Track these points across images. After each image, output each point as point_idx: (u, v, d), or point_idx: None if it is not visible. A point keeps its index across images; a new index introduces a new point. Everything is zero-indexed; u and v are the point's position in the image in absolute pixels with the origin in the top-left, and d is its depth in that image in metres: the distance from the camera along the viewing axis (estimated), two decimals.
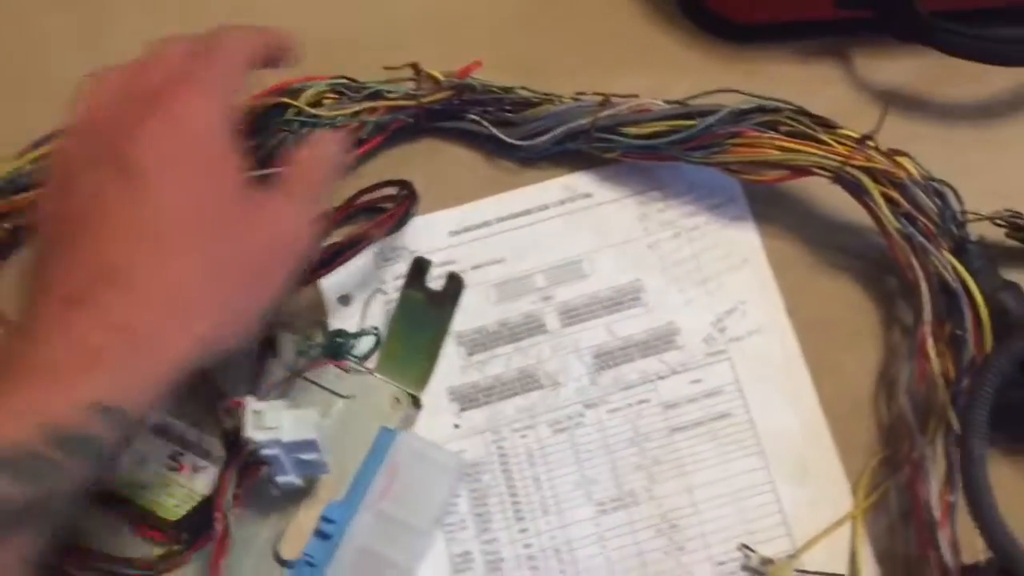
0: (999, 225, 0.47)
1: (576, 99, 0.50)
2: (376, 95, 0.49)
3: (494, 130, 0.50)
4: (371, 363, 0.47)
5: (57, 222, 0.36)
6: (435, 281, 0.49)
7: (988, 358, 0.42)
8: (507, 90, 0.50)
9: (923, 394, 0.45)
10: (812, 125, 0.46)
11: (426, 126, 0.51)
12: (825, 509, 0.45)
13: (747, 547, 0.45)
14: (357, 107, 0.49)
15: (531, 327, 0.49)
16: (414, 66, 0.50)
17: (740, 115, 0.46)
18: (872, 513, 0.46)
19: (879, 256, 0.48)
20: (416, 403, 0.46)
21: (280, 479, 0.40)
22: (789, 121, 0.46)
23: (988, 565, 0.41)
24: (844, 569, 0.45)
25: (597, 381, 0.48)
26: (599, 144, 0.49)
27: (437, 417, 0.47)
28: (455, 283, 0.48)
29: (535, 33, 0.54)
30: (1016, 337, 0.42)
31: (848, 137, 0.45)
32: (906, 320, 0.48)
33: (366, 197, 0.49)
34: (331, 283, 0.49)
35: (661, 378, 0.48)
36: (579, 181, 0.51)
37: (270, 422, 0.38)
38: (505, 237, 0.50)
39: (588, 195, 0.51)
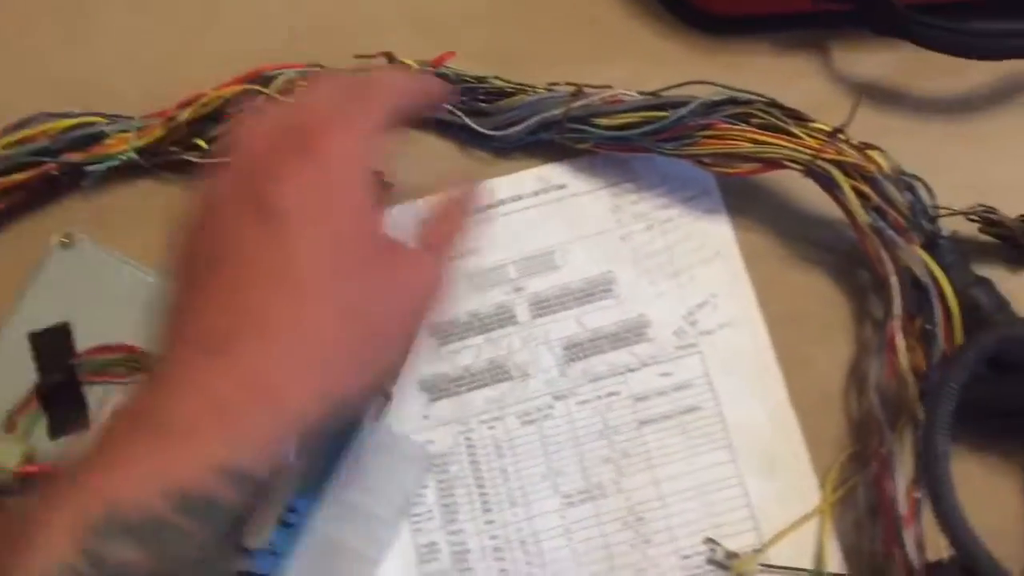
0: (973, 220, 0.47)
1: (549, 89, 0.49)
2: None
3: (467, 120, 0.49)
4: None
5: (194, 264, 0.35)
6: None
7: (954, 354, 0.42)
8: (481, 80, 0.50)
9: (893, 389, 0.45)
10: (783, 118, 0.45)
11: None
12: (793, 504, 0.45)
13: (713, 541, 0.45)
14: None
15: (502, 318, 0.49)
16: (387, 55, 0.50)
17: (712, 107, 0.46)
18: (840, 508, 0.45)
19: (851, 250, 0.48)
20: (385, 394, 0.46)
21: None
22: (761, 114, 0.46)
23: (951, 562, 0.41)
24: (810, 564, 0.45)
25: (567, 373, 0.48)
26: (571, 135, 0.49)
27: (406, 407, 0.47)
28: None
29: (511, 22, 0.54)
30: (983, 332, 0.42)
31: (819, 130, 0.45)
32: (878, 314, 0.48)
33: None
34: None
35: (631, 371, 0.48)
36: (553, 172, 0.51)
37: None
38: (478, 228, 0.50)
39: (562, 186, 0.51)
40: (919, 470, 0.43)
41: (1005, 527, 0.45)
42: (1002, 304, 0.45)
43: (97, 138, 0.49)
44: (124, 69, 0.53)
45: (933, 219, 0.45)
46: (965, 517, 0.40)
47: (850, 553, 0.45)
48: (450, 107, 0.50)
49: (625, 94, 0.48)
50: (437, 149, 0.51)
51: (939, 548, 0.42)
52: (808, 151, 0.44)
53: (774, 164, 0.46)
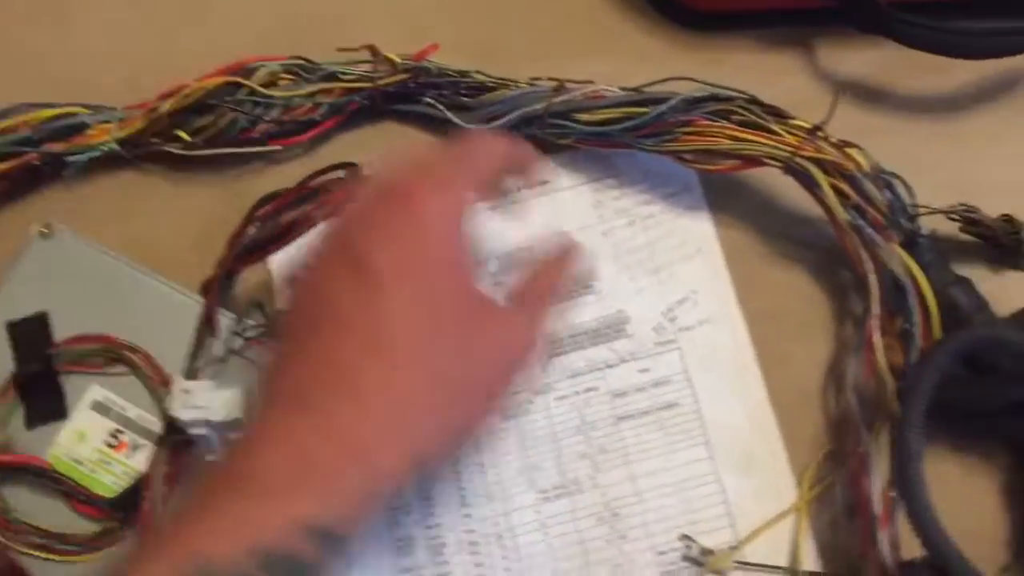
0: (953, 219, 0.47)
1: (531, 84, 0.49)
2: (331, 76, 0.49)
3: (449, 114, 0.49)
4: None
5: (294, 325, 0.36)
6: None
7: (927, 353, 0.42)
8: (463, 74, 0.50)
9: (872, 388, 0.45)
10: (763, 115, 0.45)
11: (383, 109, 0.51)
12: (769, 501, 0.45)
13: (688, 537, 0.45)
14: (312, 88, 0.49)
15: None
16: (371, 48, 0.50)
17: (692, 103, 0.46)
18: (816, 507, 0.45)
19: (832, 248, 0.47)
20: None
21: (211, 458, 0.40)
22: (741, 110, 0.45)
23: (924, 562, 0.41)
24: (785, 562, 0.45)
25: (545, 368, 0.48)
26: (553, 130, 0.49)
27: None
28: None
29: (495, 17, 0.54)
30: (955, 333, 0.42)
31: (799, 127, 0.45)
32: (858, 313, 0.48)
33: (319, 179, 0.48)
34: (279, 263, 0.49)
35: (610, 366, 0.48)
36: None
37: (199, 401, 0.38)
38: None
39: (544, 181, 0.51)
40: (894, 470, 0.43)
41: (983, 528, 0.45)
42: (981, 304, 0.45)
43: (79, 129, 0.49)
44: (107, 60, 0.53)
45: (912, 217, 0.45)
46: (937, 516, 0.40)
47: (825, 551, 0.45)
48: (431, 101, 0.50)
49: (607, 90, 0.48)
50: (420, 143, 0.51)
51: (914, 547, 0.42)
52: (787, 148, 0.44)
53: (754, 161, 0.45)
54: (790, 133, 0.45)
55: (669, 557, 0.45)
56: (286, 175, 0.50)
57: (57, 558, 0.42)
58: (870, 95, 0.52)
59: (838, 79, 0.52)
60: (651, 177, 0.50)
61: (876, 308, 0.45)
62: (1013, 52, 0.47)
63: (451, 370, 0.34)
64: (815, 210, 0.47)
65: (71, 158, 0.49)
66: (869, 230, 0.44)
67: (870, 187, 0.44)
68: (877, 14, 0.46)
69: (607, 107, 0.47)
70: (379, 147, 0.51)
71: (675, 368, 0.48)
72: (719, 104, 0.46)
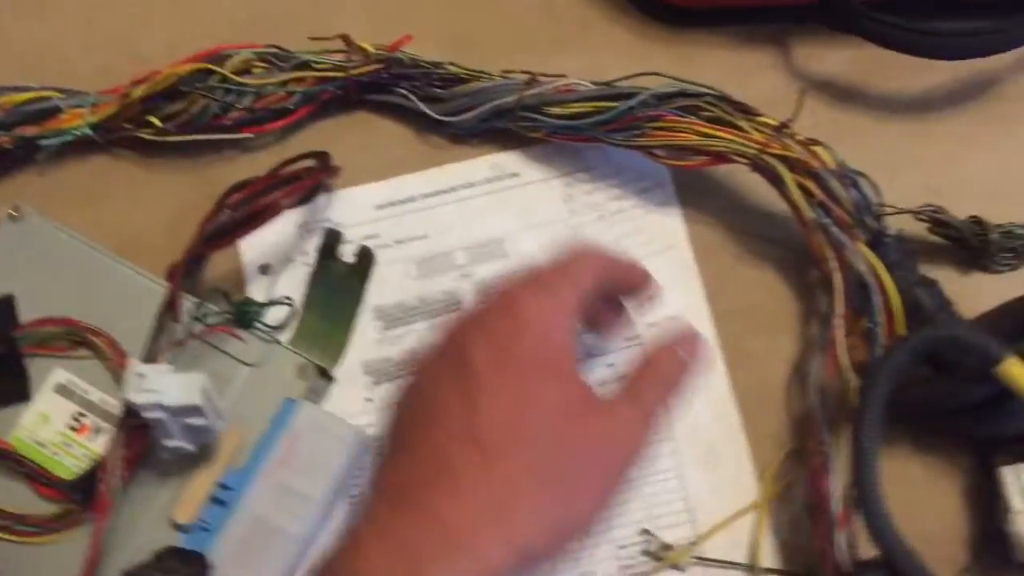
0: (921, 220, 0.47)
1: (504, 77, 0.49)
2: (305, 65, 0.49)
3: (421, 105, 0.50)
4: (287, 334, 0.47)
5: (399, 421, 0.38)
6: (350, 254, 0.49)
7: (886, 351, 0.42)
8: (436, 65, 0.50)
9: (835, 387, 0.45)
10: (732, 111, 0.45)
11: (356, 99, 0.51)
12: (730, 498, 0.45)
13: (648, 532, 0.45)
14: (285, 77, 0.49)
15: (449, 304, 0.49)
16: (344, 37, 0.50)
17: (661, 99, 0.46)
18: (776, 504, 0.45)
19: (802, 247, 0.47)
20: (325, 375, 0.46)
21: (167, 443, 0.40)
22: (709, 107, 0.45)
23: (878, 561, 0.41)
24: (744, 558, 0.45)
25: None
26: (524, 123, 0.49)
27: (350, 390, 0.47)
28: (366, 257, 0.48)
29: (471, 9, 0.54)
30: (916, 332, 0.42)
31: (766, 125, 0.45)
32: (824, 312, 0.47)
33: (290, 168, 0.48)
34: (252, 252, 0.49)
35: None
36: (507, 160, 0.51)
37: (153, 385, 0.38)
38: (430, 213, 0.50)
39: (515, 175, 0.51)
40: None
41: (945, 529, 0.45)
42: (945, 304, 0.45)
43: (52, 113, 0.49)
44: (81, 45, 0.53)
45: (878, 217, 0.45)
46: (889, 514, 0.40)
47: (784, 548, 0.45)
48: (404, 91, 0.50)
49: (578, 84, 0.48)
50: (393, 134, 0.51)
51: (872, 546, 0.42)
52: (754, 145, 0.44)
53: (722, 158, 0.45)
54: (757, 130, 0.45)
55: (628, 551, 0.45)
56: (259, 163, 0.50)
57: (16, 539, 0.42)
58: (844, 94, 0.52)
59: (812, 78, 0.52)
60: (623, 172, 0.50)
61: (840, 307, 0.45)
62: (984, 53, 0.47)
63: (553, 465, 0.34)
64: (785, 208, 0.47)
65: (44, 142, 0.49)
66: (834, 228, 0.44)
67: (835, 185, 0.44)
68: (848, 12, 0.46)
69: (577, 101, 0.47)
70: (354, 137, 0.51)
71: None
72: (688, 100, 0.46)
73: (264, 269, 0.49)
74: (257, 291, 0.48)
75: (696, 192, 0.50)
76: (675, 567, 0.45)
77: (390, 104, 0.51)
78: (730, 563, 0.44)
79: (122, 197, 0.51)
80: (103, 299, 0.46)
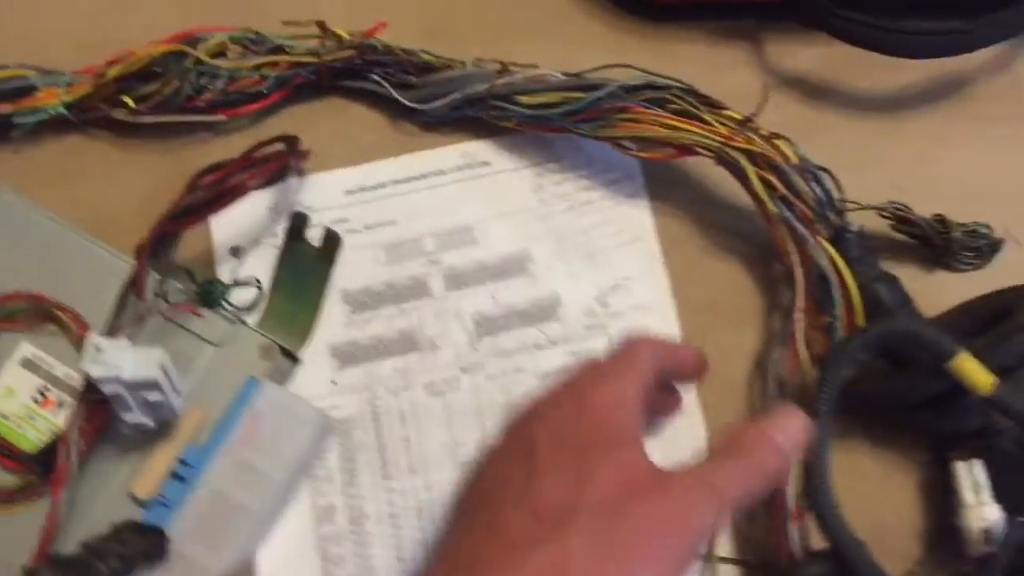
0: (885, 217, 0.47)
1: (476, 66, 0.50)
2: (279, 50, 0.50)
3: (394, 92, 0.50)
4: (255, 315, 0.48)
5: (463, 498, 0.39)
6: (317, 237, 0.49)
7: (839, 345, 0.42)
8: (409, 53, 0.50)
9: (796, 381, 0.46)
10: (697, 104, 0.46)
11: (330, 84, 0.51)
12: None
13: None
14: (259, 60, 0.49)
15: (416, 290, 0.49)
16: (319, 23, 0.50)
17: (629, 91, 0.46)
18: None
19: (767, 241, 0.48)
20: (289, 356, 0.47)
21: (127, 417, 0.40)
22: (676, 99, 0.46)
23: (827, 552, 0.41)
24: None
25: (476, 347, 0.48)
26: (495, 112, 0.49)
27: (316, 372, 0.48)
28: (332, 240, 0.48)
29: None
30: (870, 325, 0.42)
31: (731, 118, 0.45)
32: (787, 306, 0.47)
33: (263, 151, 0.49)
34: (222, 234, 0.50)
35: (539, 348, 0.48)
36: (478, 149, 0.51)
37: (111, 358, 0.38)
38: (400, 200, 0.51)
39: (486, 163, 0.51)
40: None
41: (900, 522, 0.45)
42: (905, 300, 0.45)
43: (27, 91, 0.49)
44: (58, 24, 0.53)
45: (840, 212, 0.45)
46: (837, 503, 0.40)
47: (740, 539, 0.45)
48: (378, 78, 0.50)
49: (549, 74, 0.48)
50: (365, 120, 0.52)
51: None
52: (718, 138, 0.45)
53: (686, 150, 0.46)
54: (722, 123, 0.45)
55: None
56: (232, 146, 0.50)
57: None
58: (815, 91, 0.52)
59: (784, 74, 0.52)
60: (593, 164, 0.51)
61: (800, 301, 0.45)
62: (949, 53, 0.47)
63: (611, 538, 0.35)
64: (751, 203, 0.47)
65: (18, 120, 0.49)
66: (796, 223, 0.45)
67: (797, 180, 0.44)
68: (816, 9, 0.47)
69: (547, 91, 0.48)
70: (328, 122, 0.52)
71: (603, 353, 0.48)
72: (655, 92, 0.46)
73: (235, 251, 0.49)
74: (227, 273, 0.49)
75: (665, 185, 0.50)
76: None
77: (363, 90, 0.51)
78: None
79: (96, 176, 0.51)
80: (71, 276, 0.46)
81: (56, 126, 0.51)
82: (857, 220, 0.47)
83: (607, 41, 0.53)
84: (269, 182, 0.47)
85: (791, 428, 0.38)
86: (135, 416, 0.40)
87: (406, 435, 0.47)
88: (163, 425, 0.43)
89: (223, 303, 0.46)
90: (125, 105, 0.49)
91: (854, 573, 0.40)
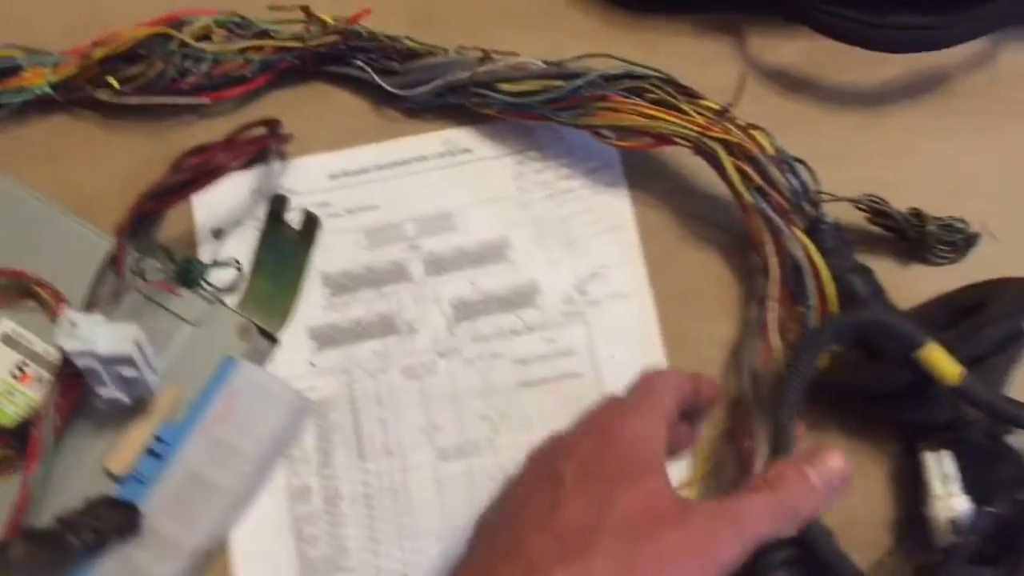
0: (861, 209, 0.48)
1: (459, 53, 0.50)
2: (263, 34, 0.50)
3: (377, 78, 0.50)
4: (235, 296, 0.48)
5: (486, 523, 0.40)
6: (297, 220, 0.50)
7: (809, 334, 0.43)
8: (393, 39, 0.51)
9: (769, 370, 0.46)
10: (675, 94, 0.46)
11: (315, 70, 0.52)
12: None
13: None
14: (244, 44, 0.50)
15: (396, 274, 0.50)
16: (304, 8, 0.50)
17: (609, 80, 0.47)
18: (707, 482, 0.46)
19: (744, 232, 0.48)
20: (268, 337, 0.47)
21: (101, 392, 0.41)
22: (655, 89, 0.46)
23: (794, 540, 0.41)
24: None
25: (454, 332, 0.49)
26: (476, 99, 0.49)
27: (294, 354, 0.48)
28: (311, 222, 0.49)
29: None
30: (839, 314, 0.42)
31: (708, 108, 0.46)
32: (763, 296, 0.48)
33: (246, 135, 0.49)
34: (205, 215, 0.50)
35: (516, 334, 0.49)
36: (460, 136, 0.52)
37: (85, 333, 0.39)
38: (382, 185, 0.51)
39: (468, 150, 0.52)
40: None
41: (871, 512, 0.46)
42: (878, 292, 0.46)
43: (13, 71, 0.50)
44: (45, 5, 0.54)
45: (815, 203, 0.46)
46: None
47: None
48: (361, 64, 0.51)
49: (530, 62, 0.49)
50: (349, 105, 0.52)
51: None
52: (696, 128, 0.45)
53: (664, 139, 0.46)
54: (699, 113, 0.45)
55: None
56: (216, 129, 0.50)
57: None
58: (797, 84, 0.52)
59: (766, 67, 0.52)
60: (573, 152, 0.51)
61: (774, 290, 0.45)
62: (929, 47, 0.47)
63: (632, 565, 0.35)
64: (729, 193, 0.47)
65: (4, 99, 0.50)
66: (772, 213, 0.45)
67: (773, 170, 0.45)
68: (799, 3, 0.47)
69: (528, 78, 0.48)
70: (312, 107, 0.52)
71: (580, 340, 0.48)
72: (634, 82, 0.47)
73: (217, 233, 0.50)
74: (209, 254, 0.49)
75: (644, 174, 0.51)
76: None
77: (347, 76, 0.52)
78: None
79: (81, 156, 0.51)
80: (53, 253, 0.47)
81: (42, 106, 0.51)
82: (834, 213, 0.47)
83: (592, 32, 0.54)
84: (249, 164, 0.47)
85: (830, 469, 0.38)
86: (110, 392, 0.40)
87: (382, 417, 0.48)
88: (139, 402, 0.43)
89: (202, 283, 0.46)
90: (110, 86, 0.49)
91: (819, 562, 0.40)
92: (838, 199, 0.47)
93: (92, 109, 0.51)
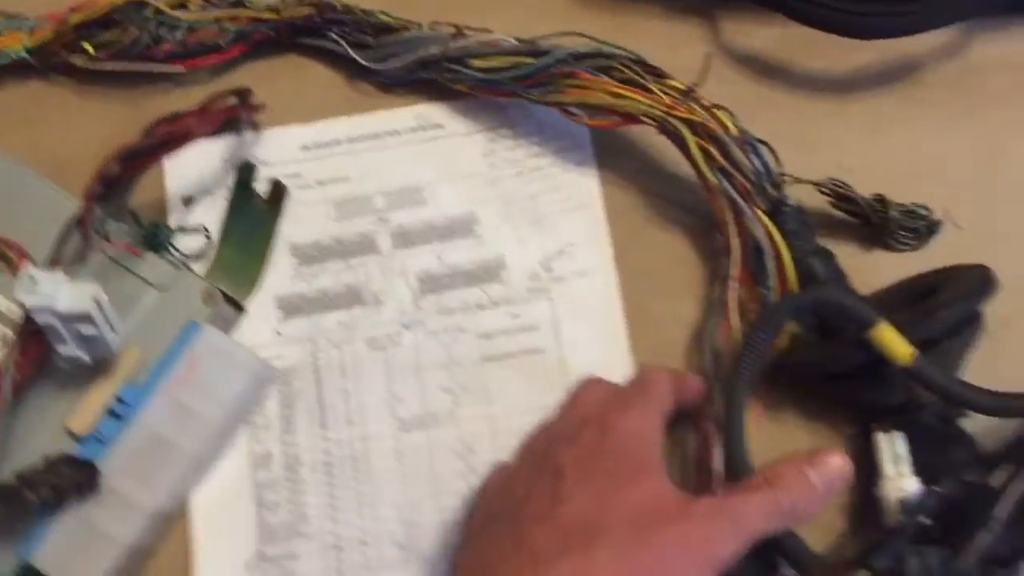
0: (824, 193, 0.48)
1: (432, 28, 0.50)
2: (239, 4, 0.51)
3: (351, 51, 0.51)
4: (204, 264, 0.49)
5: (481, 514, 0.42)
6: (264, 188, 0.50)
7: (763, 313, 0.43)
8: (367, 13, 0.51)
9: (730, 350, 0.46)
10: (643, 74, 0.46)
11: (290, 42, 0.52)
12: None
13: None
14: (219, 13, 0.50)
15: (364, 246, 0.50)
16: None
17: (578, 58, 0.47)
18: (669, 461, 0.46)
19: (710, 213, 0.49)
20: (235, 305, 0.48)
21: (61, 350, 0.41)
22: (623, 68, 0.47)
23: None
24: None
25: (419, 304, 0.49)
26: (448, 74, 0.50)
27: (261, 322, 0.49)
28: (279, 190, 0.49)
29: None
30: (794, 294, 0.43)
31: (674, 88, 0.46)
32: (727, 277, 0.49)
33: (219, 104, 0.49)
34: (176, 183, 0.50)
35: (481, 308, 0.49)
36: (433, 111, 0.52)
37: (45, 290, 0.39)
38: (353, 158, 0.51)
39: (440, 126, 0.52)
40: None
41: None
42: (839, 275, 0.46)
43: None
44: None
45: (778, 185, 0.46)
46: (750, 462, 0.41)
47: None
48: (336, 37, 0.51)
49: (502, 39, 0.49)
50: (323, 78, 0.53)
51: None
52: (661, 107, 0.46)
53: (631, 118, 0.47)
54: (665, 93, 0.46)
55: None
56: (192, 98, 0.51)
57: None
58: (768, 70, 0.53)
59: (739, 52, 0.53)
60: (544, 131, 0.51)
61: (735, 271, 0.46)
62: (899, 33, 0.48)
63: (632, 556, 0.36)
64: (695, 175, 0.48)
65: None
66: (734, 194, 0.45)
67: (736, 151, 0.45)
68: None
69: (499, 55, 0.49)
70: (286, 79, 0.53)
71: (544, 316, 0.49)
72: (604, 60, 0.47)
73: (187, 201, 0.50)
74: (179, 221, 0.49)
75: (613, 155, 0.51)
76: None
77: (322, 49, 0.52)
78: None
79: (57, 122, 0.52)
80: (22, 214, 0.47)
81: (18, 71, 0.52)
82: (799, 197, 0.47)
83: (566, 12, 0.54)
84: (218, 131, 0.48)
85: (828, 467, 0.40)
86: (70, 350, 0.41)
87: (345, 387, 0.48)
88: (101, 363, 0.44)
89: (169, 248, 0.47)
90: (85, 52, 0.50)
91: (771, 543, 0.41)
92: (801, 181, 0.47)
93: (68, 75, 0.52)
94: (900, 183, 0.49)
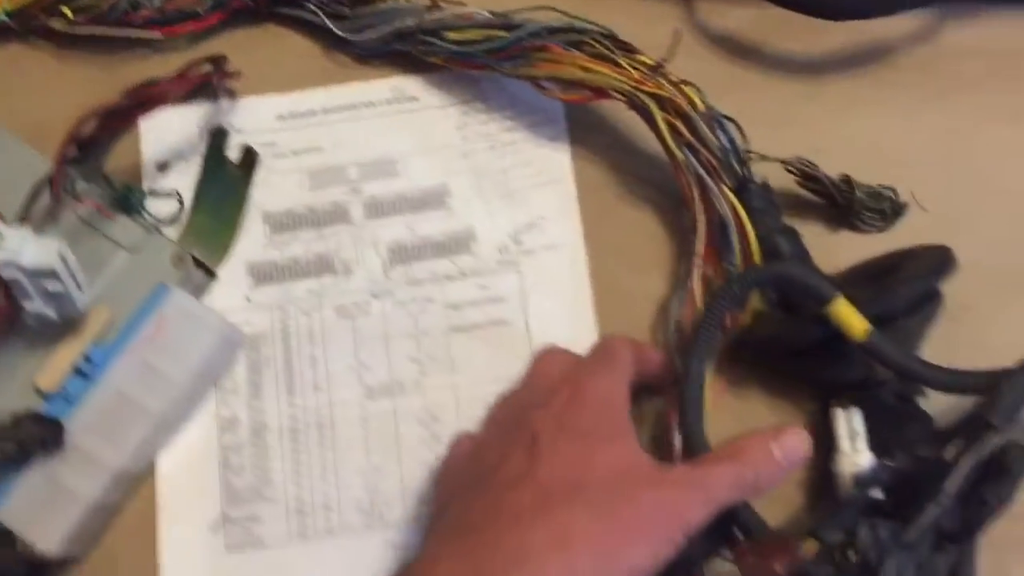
0: (791, 172, 0.48)
1: (408, 0, 0.51)
2: None
3: (327, 21, 0.51)
4: (176, 229, 0.49)
5: (454, 479, 0.43)
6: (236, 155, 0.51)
7: (720, 286, 0.44)
8: None
9: (693, 325, 0.47)
10: (613, 48, 0.47)
11: (268, 11, 0.52)
12: None
13: None
14: None
15: (336, 215, 0.50)
16: None
17: (551, 32, 0.47)
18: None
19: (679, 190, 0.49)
20: (207, 270, 0.48)
21: (27, 306, 0.41)
22: (594, 43, 0.47)
23: None
24: None
25: (389, 274, 0.50)
26: (423, 47, 0.50)
27: (231, 288, 0.49)
28: (250, 155, 0.50)
29: None
30: (750, 268, 0.43)
31: (643, 63, 0.46)
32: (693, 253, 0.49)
33: (196, 70, 0.50)
34: (152, 149, 0.51)
35: (450, 279, 0.49)
36: (408, 84, 0.53)
37: (10, 244, 0.39)
38: (328, 128, 0.52)
39: (414, 99, 0.52)
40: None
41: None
42: (803, 253, 0.46)
43: None
44: None
45: (744, 162, 0.46)
46: (705, 437, 0.41)
47: None
48: (313, 8, 0.51)
49: (477, 12, 0.50)
50: (300, 48, 0.53)
51: None
52: (630, 82, 0.46)
53: (601, 92, 0.47)
54: (635, 68, 0.46)
55: None
56: (170, 64, 0.51)
57: None
58: (742, 50, 0.53)
59: (713, 32, 0.53)
60: (517, 105, 0.52)
61: (700, 247, 0.46)
62: (873, 14, 0.48)
63: (609, 514, 0.37)
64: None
65: None
66: (700, 169, 0.46)
67: (702, 127, 0.45)
68: None
69: (473, 27, 0.49)
70: (263, 49, 0.53)
71: (512, 288, 0.49)
72: (576, 35, 0.47)
73: (162, 166, 0.50)
74: (152, 185, 0.50)
75: (585, 130, 0.51)
76: None
77: (299, 19, 0.52)
78: None
79: (35, 86, 0.52)
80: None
81: None
82: (770, 178, 0.48)
83: None
84: (193, 96, 0.48)
85: (790, 442, 0.41)
86: (36, 306, 0.41)
87: (313, 354, 0.48)
88: (69, 322, 0.44)
89: (140, 210, 0.47)
90: (64, 16, 0.50)
91: (726, 513, 0.41)
92: (768, 159, 0.47)
93: (47, 39, 0.52)
94: (868, 164, 0.49)
